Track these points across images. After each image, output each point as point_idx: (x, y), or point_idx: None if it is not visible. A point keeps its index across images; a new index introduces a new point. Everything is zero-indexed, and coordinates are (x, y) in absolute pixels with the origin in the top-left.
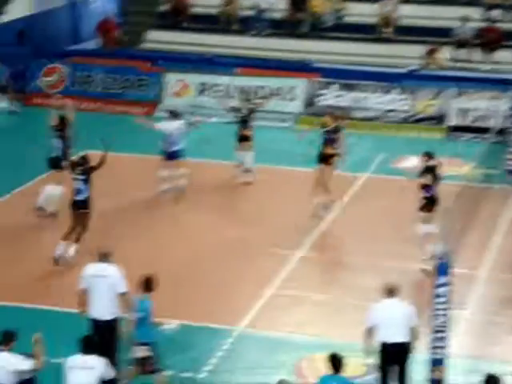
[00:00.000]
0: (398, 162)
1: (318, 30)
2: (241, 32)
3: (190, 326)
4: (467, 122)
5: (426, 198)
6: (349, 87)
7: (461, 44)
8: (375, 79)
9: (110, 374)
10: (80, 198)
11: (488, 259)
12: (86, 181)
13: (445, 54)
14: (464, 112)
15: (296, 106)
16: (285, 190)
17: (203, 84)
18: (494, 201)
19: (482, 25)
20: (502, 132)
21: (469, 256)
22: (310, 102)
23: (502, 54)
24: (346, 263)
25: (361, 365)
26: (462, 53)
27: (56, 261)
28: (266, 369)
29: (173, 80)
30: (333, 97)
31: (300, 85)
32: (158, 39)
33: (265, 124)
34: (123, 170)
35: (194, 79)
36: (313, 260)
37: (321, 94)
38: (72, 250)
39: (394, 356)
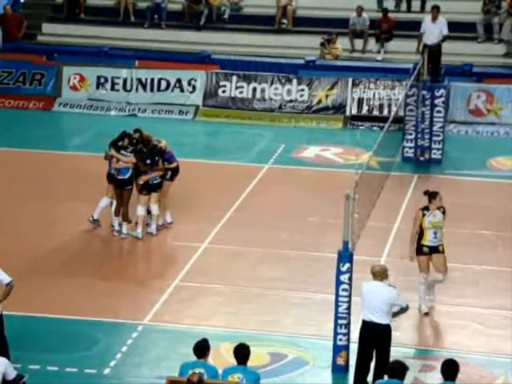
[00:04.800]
0: (298, 152)
1: (216, 21)
2: (138, 24)
3: (94, 321)
4: (364, 111)
5: None
6: (247, 78)
7: (356, 34)
8: (273, 70)
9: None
10: None
11: (389, 246)
12: None
13: (340, 44)
14: (361, 101)
15: (196, 98)
16: (187, 183)
17: (101, 77)
18: (393, 188)
19: (377, 15)
20: (398, 120)
21: (370, 243)
22: (210, 94)
23: (394, 44)
24: (249, 254)
25: (265, 354)
26: (358, 43)
27: None
28: (171, 362)
29: (70, 73)
30: (233, 88)
31: (199, 77)
32: (54, 32)
33: (165, 116)
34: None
35: (91, 72)
36: (216, 251)
37: (220, 86)
38: None
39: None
